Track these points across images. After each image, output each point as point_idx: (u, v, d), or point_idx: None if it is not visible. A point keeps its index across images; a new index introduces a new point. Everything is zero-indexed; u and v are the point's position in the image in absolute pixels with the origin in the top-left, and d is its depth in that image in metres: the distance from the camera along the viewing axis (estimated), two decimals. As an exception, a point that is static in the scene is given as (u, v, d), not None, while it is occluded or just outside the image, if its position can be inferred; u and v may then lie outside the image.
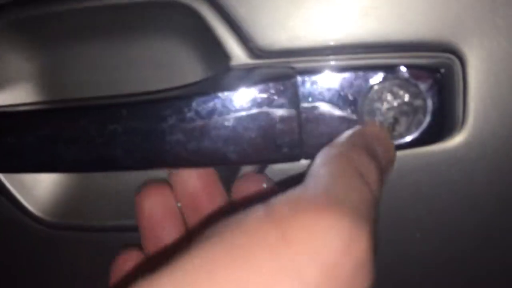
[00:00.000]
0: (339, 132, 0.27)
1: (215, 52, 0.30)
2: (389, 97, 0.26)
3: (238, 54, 0.29)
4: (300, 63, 0.28)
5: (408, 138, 0.27)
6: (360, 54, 0.28)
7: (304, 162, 0.28)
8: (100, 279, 0.31)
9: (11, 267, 0.39)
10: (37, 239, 0.35)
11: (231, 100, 0.27)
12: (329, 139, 0.27)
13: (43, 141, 0.28)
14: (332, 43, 0.28)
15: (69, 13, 0.31)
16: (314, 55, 0.28)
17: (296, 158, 0.28)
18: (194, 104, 0.27)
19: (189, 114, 0.27)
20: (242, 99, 0.27)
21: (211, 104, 0.27)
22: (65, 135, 0.28)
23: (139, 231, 0.30)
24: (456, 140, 0.28)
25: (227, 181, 0.31)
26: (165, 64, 0.32)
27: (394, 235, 0.30)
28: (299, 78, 0.27)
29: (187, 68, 0.32)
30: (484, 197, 0.29)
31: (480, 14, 0.27)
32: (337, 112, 0.27)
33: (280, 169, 0.31)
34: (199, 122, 0.27)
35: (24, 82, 0.33)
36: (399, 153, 0.27)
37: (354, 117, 0.27)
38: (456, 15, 0.27)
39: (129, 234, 0.35)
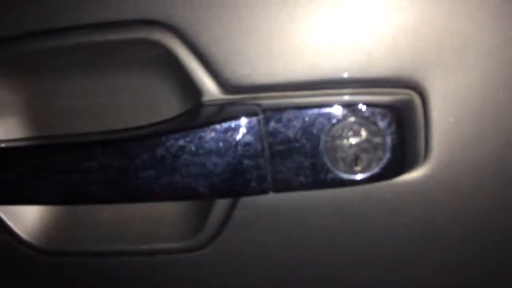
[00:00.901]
0: (304, 167, 0.28)
1: (188, 87, 0.31)
2: (349, 134, 0.27)
3: (210, 89, 0.31)
4: (268, 99, 0.29)
5: (369, 174, 0.28)
6: (323, 90, 0.29)
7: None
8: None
9: None
10: (26, 263, 0.37)
11: (200, 138, 0.28)
12: (296, 173, 0.28)
13: (23, 176, 0.30)
14: (297, 80, 0.29)
15: (52, 50, 0.33)
16: (281, 91, 0.30)
17: (265, 191, 0.29)
18: (165, 142, 0.28)
19: (160, 151, 0.28)
20: (211, 137, 0.28)
21: (181, 142, 0.28)
22: (43, 171, 0.30)
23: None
24: (419, 173, 0.29)
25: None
26: (142, 97, 0.34)
27: (356, 264, 0.31)
28: (264, 116, 0.28)
29: (163, 102, 0.33)
30: (444, 227, 0.30)
31: (440, 51, 0.28)
32: (302, 148, 0.28)
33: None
34: (169, 159, 0.28)
35: (8, 115, 0.34)
36: (363, 187, 0.28)
37: (318, 153, 0.28)
38: (417, 52, 0.28)
39: (118, 259, 0.37)
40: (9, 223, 0.37)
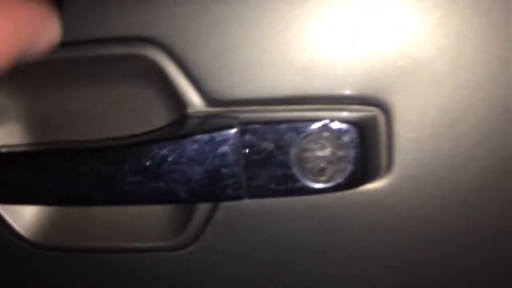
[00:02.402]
0: (276, 176, 0.31)
1: (175, 99, 0.34)
2: (317, 147, 0.30)
3: (194, 102, 0.34)
4: (246, 113, 0.32)
5: (333, 183, 0.31)
6: (295, 106, 0.32)
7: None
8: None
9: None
10: (24, 257, 0.40)
11: (182, 147, 0.31)
12: (268, 181, 0.31)
13: (23, 178, 0.33)
14: (273, 96, 0.32)
15: (50, 63, 0.36)
16: (258, 105, 0.32)
17: (240, 198, 0.32)
18: (151, 151, 0.31)
19: (146, 160, 0.31)
20: (192, 146, 0.31)
21: (165, 151, 0.31)
22: (42, 175, 0.33)
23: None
24: (381, 184, 0.32)
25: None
26: (134, 107, 0.36)
27: (321, 269, 0.34)
28: (240, 128, 0.31)
29: (152, 111, 0.36)
30: (406, 234, 0.33)
31: (402, 74, 0.31)
32: (274, 159, 0.31)
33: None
34: (155, 166, 0.31)
35: (12, 123, 0.37)
36: (329, 195, 0.31)
37: (288, 163, 0.31)
38: (382, 74, 0.31)
39: (109, 255, 0.40)
40: (9, 219, 0.40)
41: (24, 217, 0.40)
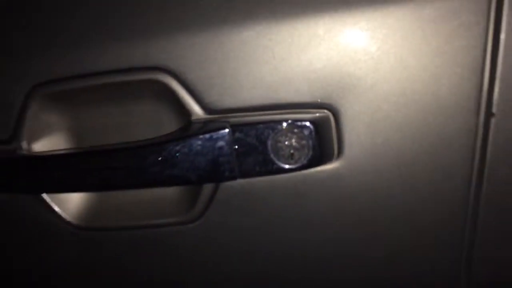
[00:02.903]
0: (259, 161, 0.43)
1: (182, 111, 0.46)
2: (286, 139, 0.43)
3: (196, 112, 0.46)
4: (235, 118, 0.45)
5: (299, 164, 0.43)
6: (270, 111, 0.44)
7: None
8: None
9: (45, 264, 0.56)
10: (67, 237, 0.52)
11: (190, 144, 0.43)
12: (253, 165, 0.43)
13: (70, 172, 0.45)
14: (254, 104, 0.45)
15: (82, 88, 0.48)
16: (243, 112, 0.45)
17: (234, 178, 0.44)
18: (165, 148, 0.43)
19: (163, 154, 0.43)
20: (197, 143, 0.43)
21: (177, 147, 0.43)
22: (86, 169, 0.45)
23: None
24: (333, 166, 0.44)
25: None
26: (150, 117, 0.49)
27: (296, 233, 0.47)
28: (231, 129, 0.43)
29: (165, 120, 0.48)
30: (353, 203, 0.46)
31: (346, 83, 0.43)
32: (256, 149, 0.43)
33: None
34: (170, 159, 0.43)
35: (56, 134, 0.50)
36: (295, 174, 0.43)
37: (267, 151, 0.43)
38: (331, 86, 0.43)
39: (134, 231, 0.52)
40: (55, 207, 0.51)
41: (69, 205, 0.52)
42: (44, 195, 0.51)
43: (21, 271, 0.57)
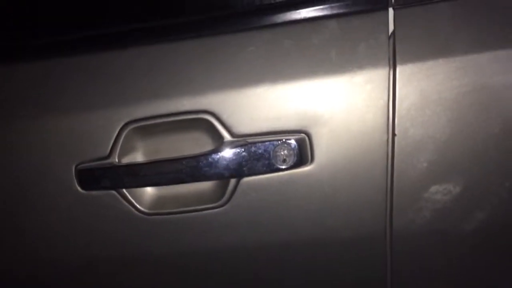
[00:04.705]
0: (264, 164, 0.74)
1: (217, 136, 0.77)
2: (281, 150, 0.74)
3: (226, 137, 0.77)
4: (250, 138, 0.76)
5: (289, 165, 0.74)
6: (272, 136, 0.75)
7: (253, 176, 0.76)
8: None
9: (122, 244, 0.84)
10: (140, 223, 0.80)
11: (222, 156, 0.74)
12: (261, 166, 0.75)
13: (146, 173, 0.75)
14: (261, 131, 0.76)
15: (156, 124, 0.78)
16: (254, 136, 0.76)
17: (250, 175, 0.75)
18: (207, 158, 0.74)
19: (205, 161, 0.74)
20: (227, 156, 0.74)
21: (215, 158, 0.74)
22: (155, 171, 0.75)
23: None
24: (307, 168, 0.76)
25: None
26: (196, 142, 0.79)
27: (289, 220, 0.77)
28: (247, 146, 0.74)
29: (206, 143, 0.79)
30: (322, 197, 0.77)
31: (316, 115, 0.75)
32: (262, 157, 0.74)
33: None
34: (209, 165, 0.74)
35: (137, 152, 0.80)
36: (286, 173, 0.74)
37: (270, 158, 0.74)
38: (306, 118, 0.75)
39: (181, 215, 0.81)
40: (132, 198, 0.80)
41: (140, 197, 0.81)
42: (124, 190, 0.80)
43: (102, 249, 0.85)
